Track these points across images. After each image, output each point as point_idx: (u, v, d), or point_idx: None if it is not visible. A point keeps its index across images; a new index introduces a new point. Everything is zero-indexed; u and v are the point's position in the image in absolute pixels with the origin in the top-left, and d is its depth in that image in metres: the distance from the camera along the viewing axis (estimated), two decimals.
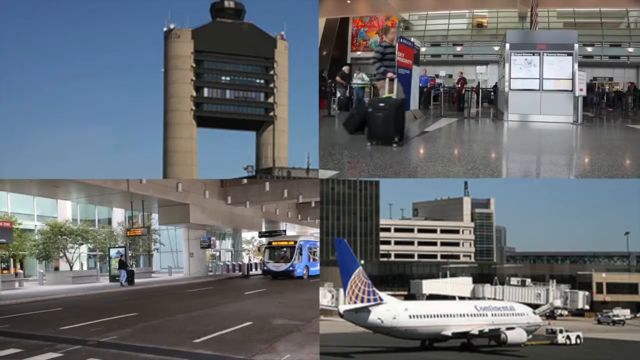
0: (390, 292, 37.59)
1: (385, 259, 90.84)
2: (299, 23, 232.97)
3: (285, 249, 52.79)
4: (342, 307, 25.23)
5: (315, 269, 54.06)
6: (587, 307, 50.15)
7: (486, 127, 35.99)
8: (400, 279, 61.71)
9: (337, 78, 39.48)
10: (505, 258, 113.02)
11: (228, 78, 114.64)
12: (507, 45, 35.71)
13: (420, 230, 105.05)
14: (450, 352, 26.45)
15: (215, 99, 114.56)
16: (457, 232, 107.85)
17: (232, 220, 58.80)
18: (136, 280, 45.05)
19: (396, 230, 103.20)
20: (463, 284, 55.99)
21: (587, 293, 50.37)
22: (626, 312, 50.53)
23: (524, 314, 28.88)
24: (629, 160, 22.72)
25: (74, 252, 49.94)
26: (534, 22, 46.36)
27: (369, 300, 24.77)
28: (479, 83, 46.64)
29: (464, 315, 26.97)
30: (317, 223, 72.78)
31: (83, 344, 17.52)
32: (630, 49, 59.77)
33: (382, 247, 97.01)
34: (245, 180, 60.59)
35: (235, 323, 21.30)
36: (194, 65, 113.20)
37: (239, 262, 66.66)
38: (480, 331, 26.29)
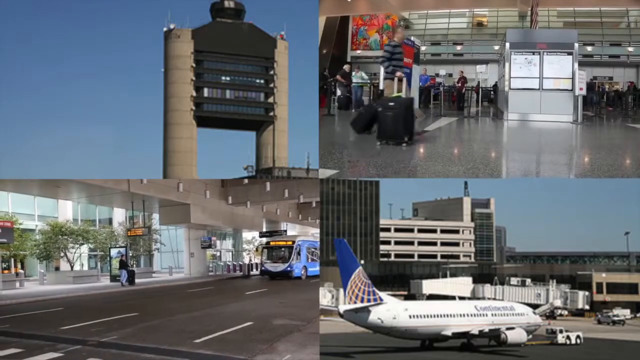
0: (390, 292, 37.60)
1: (385, 259, 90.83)
2: (299, 22, 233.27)
3: (283, 249, 52.07)
4: (342, 307, 25.24)
5: (314, 269, 53.29)
6: (587, 307, 50.18)
7: (486, 127, 35.94)
8: (400, 279, 61.72)
9: (338, 77, 39.50)
10: (505, 258, 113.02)
11: (228, 78, 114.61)
12: (507, 45, 35.69)
13: (420, 230, 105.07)
14: (450, 352, 26.47)
15: (215, 99, 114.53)
16: (457, 232, 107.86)
17: (232, 220, 58.74)
18: (137, 280, 45.00)
19: (396, 230, 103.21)
20: (463, 284, 56.00)
21: (587, 293, 50.40)
22: (626, 312, 50.56)
23: (524, 314, 28.90)
24: (629, 159, 22.70)
25: (75, 252, 49.91)
26: (534, 21, 46.37)
27: (369, 300, 24.78)
28: (479, 82, 46.57)
29: (464, 315, 26.99)
30: (318, 223, 72.63)
31: (83, 344, 17.51)
32: (630, 49, 59.74)
33: (382, 247, 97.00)
34: (246, 181, 60.52)
35: (235, 323, 21.29)
36: (194, 65, 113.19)
37: (240, 262, 66.55)
38: (480, 331, 26.30)
